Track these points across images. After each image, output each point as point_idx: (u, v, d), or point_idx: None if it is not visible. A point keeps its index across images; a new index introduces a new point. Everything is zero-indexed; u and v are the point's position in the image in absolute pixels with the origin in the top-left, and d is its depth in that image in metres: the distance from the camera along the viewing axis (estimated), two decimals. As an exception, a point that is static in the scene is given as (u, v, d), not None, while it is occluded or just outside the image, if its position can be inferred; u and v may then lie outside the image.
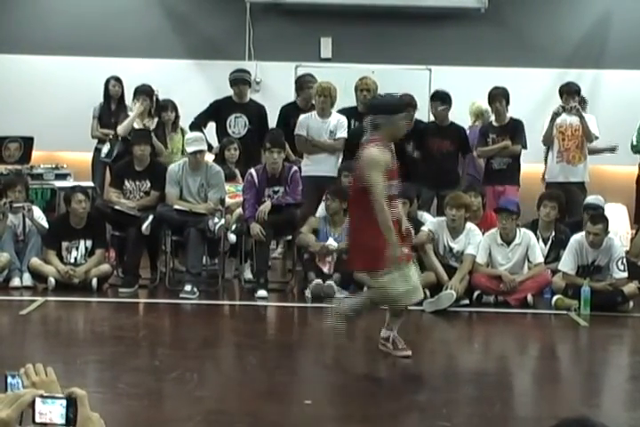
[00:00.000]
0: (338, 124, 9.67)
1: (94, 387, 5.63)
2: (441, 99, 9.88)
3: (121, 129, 9.71)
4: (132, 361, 6.21)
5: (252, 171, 8.94)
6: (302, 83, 10.16)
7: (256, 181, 8.88)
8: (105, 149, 9.94)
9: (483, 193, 9.29)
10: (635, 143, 10.06)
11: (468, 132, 10.19)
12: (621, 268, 8.44)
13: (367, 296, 6.42)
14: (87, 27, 11.49)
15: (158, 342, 7.00)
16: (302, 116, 9.72)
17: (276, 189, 8.94)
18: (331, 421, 5.14)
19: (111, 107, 10.35)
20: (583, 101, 10.29)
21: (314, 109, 9.81)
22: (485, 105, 10.34)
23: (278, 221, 8.83)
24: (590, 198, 9.45)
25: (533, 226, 9.11)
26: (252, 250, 9.03)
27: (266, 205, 8.79)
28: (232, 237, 9.01)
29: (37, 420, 2.22)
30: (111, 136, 9.96)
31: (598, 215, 8.61)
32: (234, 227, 9.08)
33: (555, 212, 9.04)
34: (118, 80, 10.31)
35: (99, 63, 11.20)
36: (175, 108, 9.98)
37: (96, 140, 10.37)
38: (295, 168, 9.13)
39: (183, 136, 9.93)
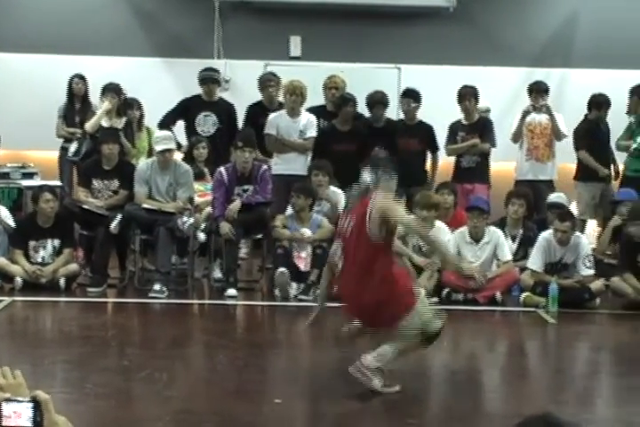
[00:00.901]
0: (308, 124, 9.66)
1: (62, 387, 5.60)
2: (413, 96, 9.91)
3: (89, 126, 9.66)
4: (100, 361, 6.18)
5: (222, 169, 8.92)
6: (263, 82, 10.16)
7: (225, 179, 8.87)
8: (72, 147, 9.88)
9: (455, 191, 9.33)
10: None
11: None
12: (588, 265, 8.51)
13: (397, 347, 5.60)
14: (53, 24, 11.42)
15: (127, 342, 6.96)
16: (272, 115, 9.70)
17: (246, 187, 8.93)
18: (301, 419, 5.14)
19: (75, 105, 10.28)
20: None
21: (281, 108, 9.80)
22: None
23: (248, 220, 8.81)
24: (553, 197, 9.50)
25: (501, 224, 9.17)
26: (221, 249, 9.01)
27: (235, 204, 8.78)
28: (202, 236, 8.99)
29: (4, 423, 2.19)
30: (78, 135, 9.91)
31: (565, 213, 8.68)
32: (203, 226, 9.06)
33: (522, 209, 9.10)
34: (82, 78, 10.24)
35: (65, 61, 11.13)
36: (140, 107, 9.96)
37: (62, 139, 10.30)
38: (265, 167, 9.12)
39: (149, 135, 9.91)
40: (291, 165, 9.54)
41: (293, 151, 9.66)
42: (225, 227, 8.66)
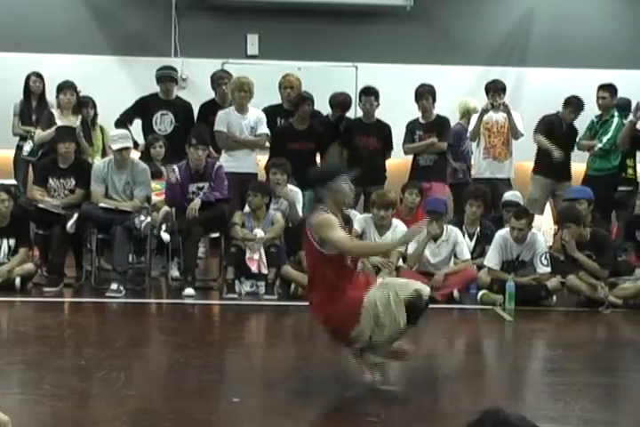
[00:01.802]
0: (258, 120, 9.66)
1: (18, 388, 5.57)
2: (375, 94, 9.94)
3: (37, 139, 9.56)
4: (56, 361, 6.12)
5: (175, 168, 8.90)
6: (216, 79, 10.15)
7: (178, 177, 8.83)
8: (27, 146, 9.80)
9: (422, 192, 9.36)
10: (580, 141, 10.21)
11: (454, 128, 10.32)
12: (545, 263, 8.58)
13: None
14: (8, 22, 11.32)
15: (84, 342, 6.91)
16: (221, 112, 9.68)
17: (201, 185, 8.90)
18: (259, 418, 5.13)
19: (32, 103, 10.20)
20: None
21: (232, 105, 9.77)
22: (474, 103, 10.44)
23: (208, 218, 8.78)
24: (508, 195, 9.57)
25: (459, 221, 9.22)
26: (179, 248, 8.97)
27: (195, 202, 8.74)
28: (166, 237, 8.94)
29: None
30: (32, 133, 9.82)
31: (521, 211, 8.74)
32: (164, 226, 9.00)
33: (480, 210, 9.17)
34: (39, 76, 10.16)
35: (20, 59, 11.04)
36: (95, 106, 9.90)
37: (18, 138, 10.21)
38: (219, 164, 9.11)
39: (103, 134, 9.87)
40: (240, 162, 9.50)
41: (244, 149, 9.62)
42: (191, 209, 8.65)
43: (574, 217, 8.50)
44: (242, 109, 9.65)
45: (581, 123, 10.24)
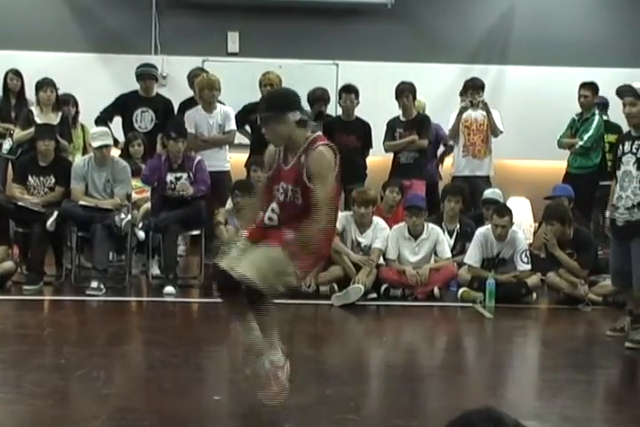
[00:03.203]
0: (225, 117, 9.65)
1: (-3, 387, 5.54)
2: (355, 92, 9.96)
3: (16, 138, 9.53)
4: (36, 360, 6.09)
5: (162, 157, 9.07)
6: (192, 77, 10.13)
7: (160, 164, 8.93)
8: (6, 144, 9.75)
9: (403, 190, 9.37)
10: (560, 139, 10.21)
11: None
12: (525, 260, 8.61)
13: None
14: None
15: (64, 340, 6.88)
16: (188, 113, 9.66)
17: (179, 175, 8.92)
18: (239, 417, 5.12)
19: (10, 101, 10.14)
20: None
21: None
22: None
23: (184, 215, 8.78)
24: (488, 193, 9.60)
25: (438, 219, 9.24)
26: (159, 246, 8.95)
27: (188, 187, 8.89)
28: (141, 234, 8.94)
29: None
30: (12, 131, 9.77)
31: (503, 208, 8.77)
32: (141, 224, 9.00)
33: (459, 206, 9.20)
34: (17, 74, 10.10)
35: (-2, 56, 10.98)
36: (76, 104, 9.87)
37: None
38: (199, 158, 9.12)
39: (83, 132, 9.84)
40: (211, 161, 9.45)
41: (212, 147, 9.60)
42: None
43: (560, 215, 8.51)
44: (209, 108, 9.64)
45: (561, 121, 10.26)
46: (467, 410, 2.14)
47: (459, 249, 9.08)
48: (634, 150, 6.67)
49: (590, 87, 10.11)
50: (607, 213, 7.19)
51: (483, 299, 8.35)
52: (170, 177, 8.91)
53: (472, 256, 8.68)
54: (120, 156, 9.49)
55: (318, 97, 10.01)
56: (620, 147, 6.81)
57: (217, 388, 5.66)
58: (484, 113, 10.11)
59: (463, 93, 10.27)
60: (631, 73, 10.70)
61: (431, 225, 8.94)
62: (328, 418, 4.93)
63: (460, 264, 8.85)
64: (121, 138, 9.95)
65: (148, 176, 9.07)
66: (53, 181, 9.02)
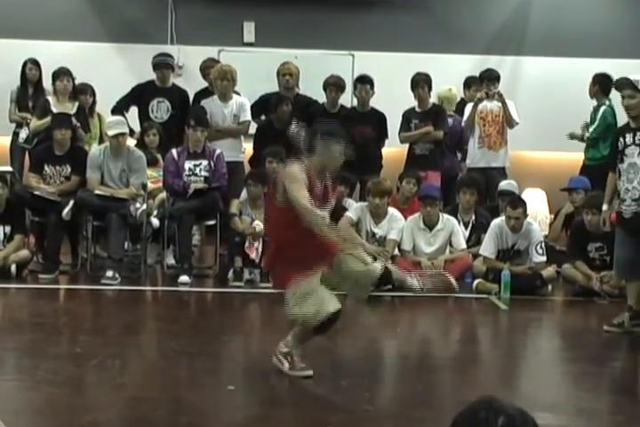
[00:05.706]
0: (240, 108, 9.65)
1: (13, 375, 5.57)
2: (370, 82, 9.94)
3: (32, 128, 9.56)
4: (52, 348, 6.13)
5: (173, 151, 9.03)
6: (205, 68, 10.12)
7: (176, 157, 8.93)
8: (23, 134, 9.78)
9: (420, 181, 9.36)
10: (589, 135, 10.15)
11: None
12: (540, 252, 8.59)
13: (295, 331, 5.68)
14: (4, 8, 11.27)
15: (79, 329, 6.91)
16: (203, 102, 9.66)
17: (198, 162, 8.94)
18: (253, 406, 5.13)
19: (28, 90, 10.17)
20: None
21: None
22: (453, 90, 10.46)
23: (199, 207, 8.79)
24: (503, 184, 9.57)
25: (453, 210, 9.22)
26: (174, 235, 8.97)
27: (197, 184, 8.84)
28: (155, 222, 8.96)
29: None
30: (28, 120, 9.80)
31: (517, 200, 8.74)
32: (156, 212, 9.03)
33: (474, 197, 9.18)
34: (35, 63, 10.12)
35: (16, 45, 11.00)
36: (94, 93, 9.88)
37: (14, 125, 10.18)
38: (219, 151, 9.12)
39: (100, 121, 9.85)
40: (226, 151, 9.44)
41: (227, 137, 9.60)
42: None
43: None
44: (224, 98, 9.64)
45: (578, 112, 10.21)
46: (471, 402, 2.15)
47: (474, 240, 9.07)
48: (637, 142, 6.63)
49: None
50: (605, 207, 7.12)
51: (498, 290, 8.35)
52: (188, 164, 8.92)
53: (487, 248, 8.67)
54: (136, 145, 9.50)
55: (333, 82, 9.97)
56: (621, 139, 6.74)
57: (231, 378, 5.67)
58: (500, 104, 10.08)
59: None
60: (649, 64, 10.65)
61: (446, 216, 8.93)
62: (343, 409, 4.93)
63: (476, 256, 8.84)
64: (137, 128, 9.96)
65: (171, 171, 9.03)
66: (69, 170, 9.04)
